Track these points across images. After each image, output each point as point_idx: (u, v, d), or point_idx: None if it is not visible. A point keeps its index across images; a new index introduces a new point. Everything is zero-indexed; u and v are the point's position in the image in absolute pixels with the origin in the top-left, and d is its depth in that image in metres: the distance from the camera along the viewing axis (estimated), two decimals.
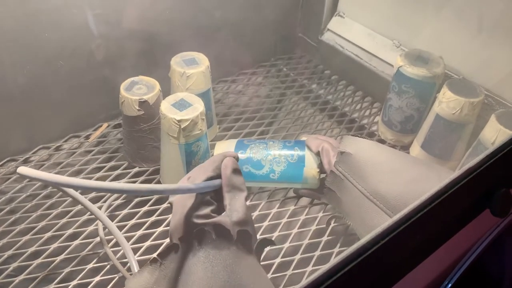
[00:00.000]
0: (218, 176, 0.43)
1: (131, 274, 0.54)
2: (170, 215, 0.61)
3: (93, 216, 0.62)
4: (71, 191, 0.56)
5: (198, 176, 0.42)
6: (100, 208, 0.62)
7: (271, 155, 0.61)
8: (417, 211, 0.31)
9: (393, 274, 0.34)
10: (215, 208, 0.41)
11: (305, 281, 0.27)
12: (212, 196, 0.42)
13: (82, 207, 0.63)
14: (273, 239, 0.59)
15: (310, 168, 0.60)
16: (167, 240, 0.59)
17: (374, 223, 0.50)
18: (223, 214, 0.40)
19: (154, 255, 0.56)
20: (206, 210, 0.40)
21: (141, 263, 0.56)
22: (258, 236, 0.58)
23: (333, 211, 0.63)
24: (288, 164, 0.61)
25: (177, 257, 0.39)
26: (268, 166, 0.61)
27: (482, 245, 0.42)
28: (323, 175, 0.61)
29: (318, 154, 0.60)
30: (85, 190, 0.55)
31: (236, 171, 0.43)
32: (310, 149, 0.60)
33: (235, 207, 0.41)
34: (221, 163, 0.43)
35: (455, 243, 0.39)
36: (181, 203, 0.41)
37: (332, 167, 0.56)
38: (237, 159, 0.45)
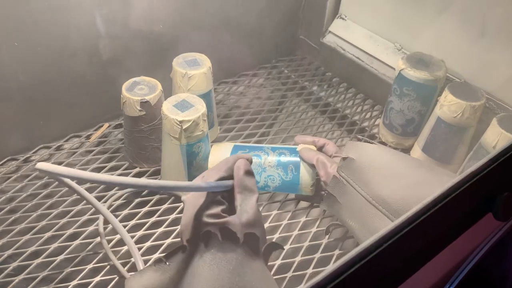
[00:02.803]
0: (231, 176, 0.43)
1: (132, 274, 0.54)
2: (171, 216, 0.62)
3: (93, 216, 0.62)
4: (78, 189, 0.55)
5: (211, 176, 0.42)
6: None
7: (265, 173, 0.61)
8: (420, 214, 0.31)
9: (395, 278, 0.34)
10: (226, 208, 0.42)
11: (307, 283, 0.27)
12: (223, 196, 0.42)
13: (82, 207, 0.63)
14: (273, 240, 0.59)
15: (305, 186, 0.60)
16: (168, 241, 0.59)
17: (376, 228, 0.49)
18: (233, 215, 0.40)
19: (157, 255, 0.57)
20: (217, 210, 0.40)
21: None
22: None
23: (332, 217, 0.63)
24: (283, 182, 0.61)
25: (184, 258, 0.39)
26: (263, 181, 0.61)
27: (484, 249, 0.42)
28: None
29: (313, 166, 0.59)
30: (97, 184, 0.56)
31: (249, 173, 0.43)
32: (304, 160, 0.60)
33: (245, 208, 0.41)
34: (234, 164, 0.43)
35: (457, 247, 0.39)
36: (193, 202, 0.41)
37: (332, 176, 0.56)
38: (250, 161, 0.45)
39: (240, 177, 0.42)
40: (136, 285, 0.38)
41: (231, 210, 0.42)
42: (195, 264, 0.38)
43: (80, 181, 0.51)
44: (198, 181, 0.43)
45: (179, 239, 0.58)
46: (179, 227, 0.60)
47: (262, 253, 0.42)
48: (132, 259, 0.56)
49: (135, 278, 0.39)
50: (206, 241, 0.39)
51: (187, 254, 0.39)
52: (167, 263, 0.39)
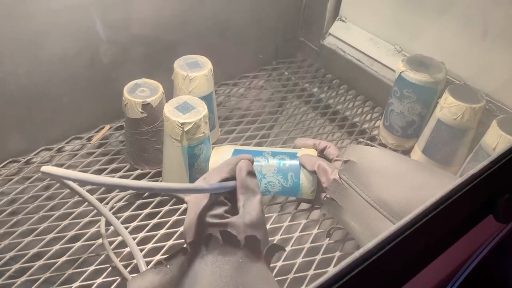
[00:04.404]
0: (233, 178, 0.43)
1: (133, 276, 0.54)
2: (172, 218, 0.62)
3: (95, 218, 0.62)
4: (80, 191, 0.55)
5: (213, 177, 0.43)
6: None
7: (265, 179, 0.61)
8: (422, 216, 0.32)
9: (397, 279, 0.34)
10: (229, 209, 0.42)
11: (310, 285, 0.27)
12: (226, 197, 0.43)
13: (84, 209, 0.63)
14: (274, 242, 0.59)
15: (305, 191, 0.60)
16: (170, 242, 0.59)
17: (379, 231, 0.49)
18: (236, 216, 0.41)
19: (159, 257, 0.57)
20: (220, 210, 0.41)
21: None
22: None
23: (333, 219, 0.63)
24: (283, 188, 0.61)
25: (185, 261, 0.39)
26: (263, 187, 0.61)
27: (485, 250, 0.42)
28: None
29: (314, 172, 0.59)
30: (99, 186, 0.57)
31: (251, 173, 0.44)
32: (305, 167, 0.60)
33: (248, 209, 0.41)
34: (236, 165, 0.44)
35: (458, 249, 0.39)
36: (196, 203, 0.42)
37: (332, 182, 0.56)
38: (252, 162, 0.45)
39: (242, 178, 0.43)
40: (138, 287, 0.38)
41: (234, 211, 0.42)
42: (196, 266, 0.38)
43: (84, 183, 0.51)
44: (200, 183, 0.43)
45: (180, 240, 0.59)
46: (181, 228, 0.61)
47: (264, 255, 0.42)
48: (134, 261, 0.56)
49: (136, 279, 0.39)
50: (208, 244, 0.39)
51: (188, 257, 0.39)
52: (167, 266, 0.39)
